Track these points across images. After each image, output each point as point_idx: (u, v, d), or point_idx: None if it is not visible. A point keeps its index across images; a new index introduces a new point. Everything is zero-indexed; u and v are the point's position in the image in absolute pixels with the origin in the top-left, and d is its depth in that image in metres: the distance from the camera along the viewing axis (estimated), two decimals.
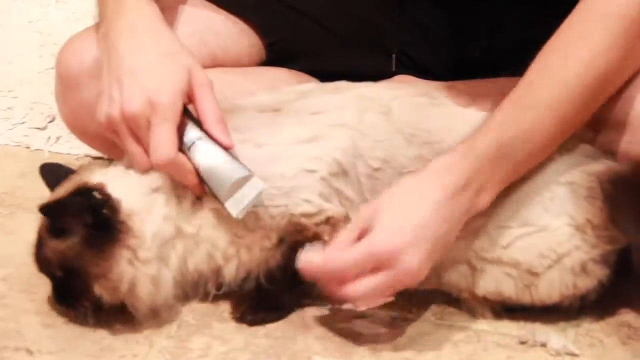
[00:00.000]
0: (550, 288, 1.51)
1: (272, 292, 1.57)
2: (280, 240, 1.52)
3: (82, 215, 1.32)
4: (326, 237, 1.51)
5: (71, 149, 1.90)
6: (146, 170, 1.56)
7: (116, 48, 1.61)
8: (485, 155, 1.52)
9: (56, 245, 1.33)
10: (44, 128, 1.93)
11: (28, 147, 1.93)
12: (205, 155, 1.53)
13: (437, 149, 1.50)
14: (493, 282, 1.50)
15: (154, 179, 1.44)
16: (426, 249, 1.47)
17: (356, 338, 1.55)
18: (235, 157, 1.52)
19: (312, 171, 1.49)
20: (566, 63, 1.58)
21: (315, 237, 1.51)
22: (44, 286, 1.59)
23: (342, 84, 1.61)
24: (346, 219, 1.52)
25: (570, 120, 1.59)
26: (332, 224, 1.52)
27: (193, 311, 1.61)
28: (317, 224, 1.52)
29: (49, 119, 1.92)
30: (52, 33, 1.83)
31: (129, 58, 1.59)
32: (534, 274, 1.49)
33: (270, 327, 1.58)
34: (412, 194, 1.51)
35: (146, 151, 1.53)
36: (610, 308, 1.63)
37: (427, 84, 1.80)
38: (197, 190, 1.55)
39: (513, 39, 1.82)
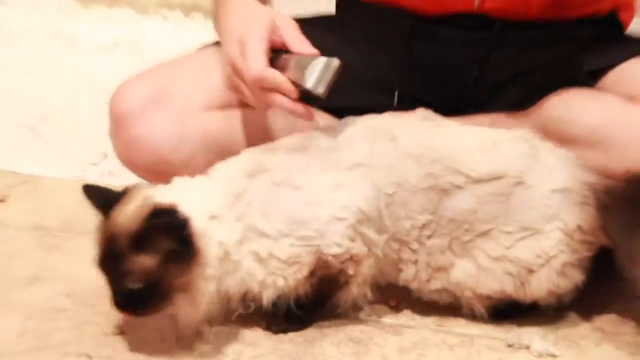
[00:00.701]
0: (540, 286, 1.62)
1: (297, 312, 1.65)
2: (311, 274, 1.60)
3: (168, 233, 1.40)
4: (350, 272, 1.62)
5: (122, 182, 1.83)
6: (257, 105, 1.71)
7: (219, 22, 1.82)
8: None
9: (141, 260, 1.39)
10: (98, 164, 2.02)
11: (84, 180, 1.89)
12: (296, 61, 1.66)
13: (447, 164, 1.59)
14: (496, 280, 1.60)
15: (214, 207, 1.51)
16: None
17: (366, 343, 1.65)
18: (315, 55, 1.64)
19: (342, 219, 1.58)
20: None
21: (341, 272, 1.62)
22: (101, 300, 1.62)
23: (351, 119, 1.68)
24: (367, 255, 1.62)
25: None
26: (355, 260, 1.61)
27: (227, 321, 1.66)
28: (342, 262, 1.60)
29: (102, 156, 2.00)
30: (104, 80, 1.90)
31: (226, 24, 1.77)
32: (530, 272, 1.59)
33: (293, 334, 1.67)
34: None
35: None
36: (586, 314, 1.73)
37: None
38: (292, 96, 1.63)
39: (502, 74, 1.89)
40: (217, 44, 1.93)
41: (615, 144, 1.72)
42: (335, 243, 1.59)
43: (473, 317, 1.72)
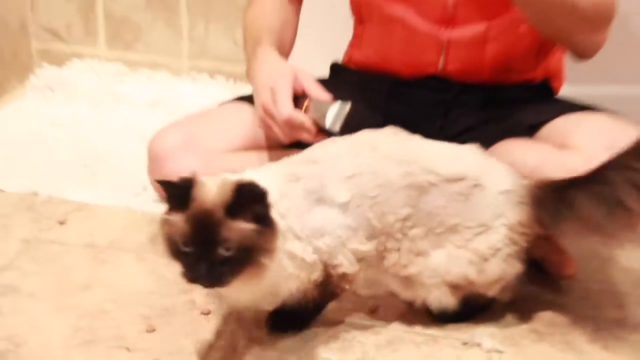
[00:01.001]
0: (493, 272, 1.60)
1: (299, 313, 1.63)
2: (321, 281, 1.58)
3: (256, 201, 1.36)
4: (345, 286, 1.63)
5: (157, 209, 1.79)
6: (286, 139, 1.75)
7: (253, 76, 1.81)
8: None
9: (237, 225, 1.34)
10: (139, 195, 2.01)
11: (127, 207, 2.00)
12: (314, 105, 1.70)
13: (422, 165, 1.57)
14: (461, 267, 1.58)
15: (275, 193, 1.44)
16: None
17: (350, 340, 1.64)
18: (331, 101, 1.70)
19: (344, 244, 1.55)
20: None
21: (338, 286, 1.62)
22: (140, 306, 1.70)
23: (338, 138, 1.65)
24: (359, 270, 1.61)
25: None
26: (349, 279, 1.61)
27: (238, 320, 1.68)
28: (338, 275, 1.59)
29: (142, 188, 2.00)
30: (145, 128, 1.95)
31: (258, 77, 1.77)
32: (485, 261, 1.58)
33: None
34: None
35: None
36: (526, 318, 1.72)
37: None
38: (312, 133, 1.69)
39: (460, 127, 1.89)
40: (234, 100, 1.97)
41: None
42: (336, 260, 1.58)
43: (436, 320, 1.70)
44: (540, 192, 1.59)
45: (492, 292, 1.67)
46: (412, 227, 1.56)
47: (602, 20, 1.76)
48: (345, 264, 1.58)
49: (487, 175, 1.59)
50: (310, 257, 1.53)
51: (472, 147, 1.66)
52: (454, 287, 1.62)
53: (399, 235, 1.57)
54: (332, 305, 1.69)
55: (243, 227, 1.35)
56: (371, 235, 1.58)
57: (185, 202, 1.36)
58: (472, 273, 1.60)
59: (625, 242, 1.67)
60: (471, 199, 1.56)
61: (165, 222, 1.39)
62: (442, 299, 1.63)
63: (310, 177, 1.54)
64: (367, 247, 1.59)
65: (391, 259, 1.61)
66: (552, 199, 1.58)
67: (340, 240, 1.56)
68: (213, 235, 1.34)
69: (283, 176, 1.54)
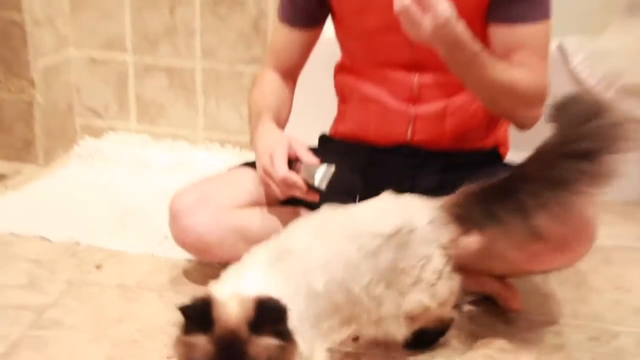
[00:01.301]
0: (442, 292, 1.54)
1: None
2: None
3: (277, 317, 1.20)
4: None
5: (177, 255, 1.95)
6: (282, 195, 1.71)
7: (255, 144, 1.78)
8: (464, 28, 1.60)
9: (264, 342, 1.18)
10: (162, 244, 2.00)
11: (152, 254, 2.00)
12: (305, 168, 1.67)
13: (368, 233, 1.47)
14: (416, 298, 1.51)
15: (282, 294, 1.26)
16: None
17: None
18: (319, 164, 1.68)
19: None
20: (504, 65, 1.69)
21: None
22: (162, 336, 1.66)
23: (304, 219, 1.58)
24: None
25: (492, 72, 1.68)
26: None
27: None
28: None
29: (164, 238, 1.97)
30: (167, 189, 1.90)
31: (259, 145, 1.75)
32: (433, 285, 1.52)
33: None
34: None
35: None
36: (481, 345, 1.68)
37: None
38: (303, 190, 1.66)
39: (426, 186, 1.83)
40: (240, 165, 1.96)
41: None
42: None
43: (406, 348, 1.65)
44: (458, 209, 1.55)
45: (447, 311, 1.61)
46: (374, 287, 1.46)
47: (537, 100, 1.76)
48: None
49: (413, 216, 1.52)
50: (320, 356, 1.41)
51: (385, 196, 1.60)
52: (413, 318, 1.55)
53: (365, 299, 1.46)
54: None
55: (268, 343, 1.21)
56: (341, 317, 1.47)
57: (206, 323, 1.20)
58: (426, 300, 1.53)
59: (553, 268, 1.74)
60: (410, 242, 1.49)
61: (184, 344, 1.23)
62: (404, 330, 1.55)
63: (296, 274, 1.38)
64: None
65: (361, 318, 1.51)
66: (470, 211, 1.54)
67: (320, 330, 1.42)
68: (241, 355, 1.21)
69: (277, 277, 1.35)
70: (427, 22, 1.54)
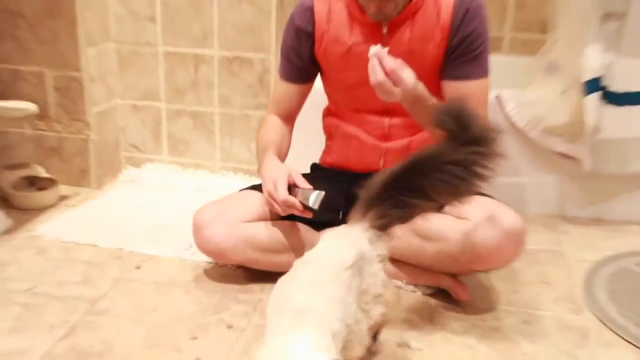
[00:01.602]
0: (390, 295, 1.58)
1: None
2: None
3: None
4: None
5: (200, 259, 1.94)
6: (283, 213, 1.72)
7: (262, 173, 1.79)
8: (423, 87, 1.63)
9: None
10: (187, 249, 2.00)
11: (180, 258, 1.98)
12: (301, 192, 1.69)
13: (342, 267, 1.31)
14: (379, 310, 1.42)
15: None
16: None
17: None
18: (312, 190, 1.70)
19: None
20: None
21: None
22: (187, 323, 1.66)
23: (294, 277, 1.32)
24: None
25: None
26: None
27: None
28: None
29: (189, 245, 1.97)
30: (192, 207, 1.86)
31: (265, 174, 1.76)
32: (383, 295, 1.43)
33: None
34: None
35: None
36: (438, 326, 1.68)
37: None
38: (300, 210, 1.68)
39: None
40: (249, 188, 1.95)
41: (451, 238, 1.71)
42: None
43: None
44: (379, 220, 1.43)
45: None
46: (356, 313, 1.33)
47: None
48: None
49: (359, 242, 1.39)
50: None
51: (329, 234, 1.48)
52: (373, 327, 1.45)
53: (355, 326, 1.32)
54: None
55: None
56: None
57: None
58: (384, 309, 1.45)
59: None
60: (364, 265, 1.37)
61: None
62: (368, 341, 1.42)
63: (323, 327, 1.18)
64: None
65: (353, 344, 1.33)
66: (389, 214, 1.43)
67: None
68: None
69: (313, 335, 1.14)
70: (397, 91, 1.56)
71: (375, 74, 1.53)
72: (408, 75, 1.55)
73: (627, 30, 2.11)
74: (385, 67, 1.52)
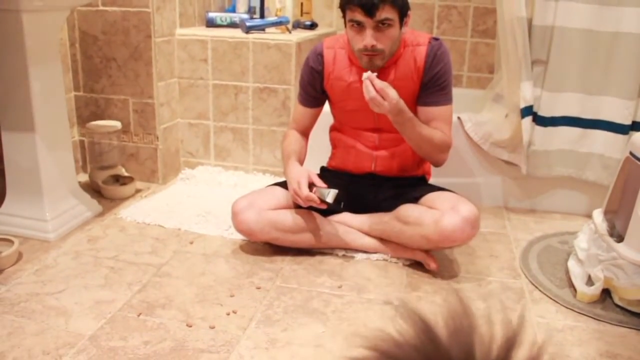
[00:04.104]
0: None
1: None
2: None
3: None
4: None
5: (236, 237, 1.88)
6: (304, 205, 1.67)
7: (287, 174, 1.76)
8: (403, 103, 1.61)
9: None
10: (227, 230, 1.94)
11: (221, 236, 1.92)
12: (318, 190, 1.66)
13: None
14: None
15: None
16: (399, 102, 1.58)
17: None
18: (327, 188, 1.66)
19: None
20: (426, 127, 1.68)
21: None
22: (227, 284, 1.61)
23: None
24: None
25: (420, 133, 1.67)
26: None
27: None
28: None
29: (228, 226, 1.91)
30: (231, 198, 1.81)
31: (290, 176, 1.73)
32: None
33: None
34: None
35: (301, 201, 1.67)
36: (413, 288, 1.62)
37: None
38: (317, 203, 1.64)
39: (382, 197, 1.81)
40: (275, 184, 1.90)
41: (424, 223, 1.66)
42: None
43: None
44: None
45: None
46: None
47: (445, 148, 1.75)
48: None
49: None
50: None
51: None
52: None
53: None
54: None
55: None
56: None
57: None
58: None
59: None
60: None
61: None
62: None
63: None
64: None
65: None
66: None
67: None
68: None
69: None
70: (386, 104, 1.55)
71: (369, 92, 1.54)
72: (392, 92, 1.56)
73: (549, 72, 2.10)
74: (375, 86, 1.54)
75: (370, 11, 1.51)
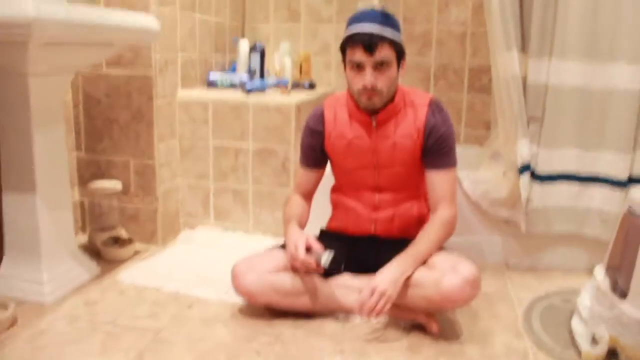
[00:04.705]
0: None
1: None
2: None
3: None
4: None
5: (236, 300, 1.86)
6: (301, 269, 1.68)
7: (286, 238, 1.75)
8: (408, 261, 1.64)
9: None
10: (227, 293, 1.90)
11: (221, 299, 1.91)
12: (315, 253, 1.66)
13: None
14: None
15: None
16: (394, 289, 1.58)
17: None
18: (323, 251, 1.66)
19: None
20: (427, 238, 1.70)
21: None
22: (226, 349, 1.62)
23: None
24: None
25: (429, 253, 1.68)
26: None
27: None
28: None
29: (229, 289, 1.85)
30: (234, 259, 1.84)
31: (289, 239, 1.72)
32: None
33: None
34: (386, 271, 1.62)
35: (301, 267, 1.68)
36: (414, 351, 1.61)
37: None
38: (314, 267, 1.65)
39: (384, 260, 1.75)
40: (274, 247, 1.89)
41: (424, 284, 1.66)
42: None
43: None
44: None
45: None
46: None
47: (452, 229, 1.77)
48: None
49: None
50: None
51: None
52: None
53: None
54: None
55: None
56: None
57: None
58: None
59: None
60: None
61: None
62: None
63: None
64: None
65: None
66: None
67: None
68: None
69: None
70: (387, 296, 1.58)
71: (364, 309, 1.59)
72: (381, 285, 1.59)
73: (544, 130, 2.13)
74: (377, 307, 1.58)
75: (369, 49, 1.55)
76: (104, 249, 2.24)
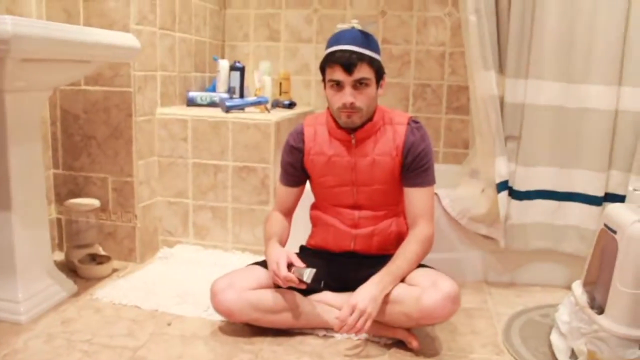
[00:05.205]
0: None
1: None
2: None
3: None
4: None
5: (215, 318, 1.86)
6: (284, 285, 1.66)
7: (267, 256, 1.75)
8: (387, 278, 1.64)
9: None
10: (206, 311, 1.91)
11: (200, 317, 1.90)
12: (297, 270, 1.66)
13: None
14: None
15: None
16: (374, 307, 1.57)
17: None
18: (305, 268, 1.66)
19: None
20: (406, 255, 1.71)
21: None
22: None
23: None
24: None
25: (408, 270, 1.70)
26: None
27: None
28: None
29: (208, 307, 1.87)
30: (211, 278, 1.83)
31: (270, 257, 1.72)
32: None
33: None
34: (366, 288, 1.61)
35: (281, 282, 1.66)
36: None
37: None
38: (296, 283, 1.64)
39: (363, 276, 1.76)
40: (254, 264, 1.90)
41: (404, 301, 1.66)
42: None
43: None
44: None
45: None
46: None
47: (429, 246, 1.78)
48: None
49: None
50: None
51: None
52: None
53: None
54: None
55: None
56: None
57: None
58: None
59: None
60: None
61: None
62: None
63: None
64: None
65: None
66: None
67: None
68: None
69: None
70: (361, 321, 1.57)
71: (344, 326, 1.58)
72: (362, 303, 1.58)
73: (522, 147, 2.17)
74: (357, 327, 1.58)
75: (348, 68, 1.59)
76: (81, 267, 2.22)
